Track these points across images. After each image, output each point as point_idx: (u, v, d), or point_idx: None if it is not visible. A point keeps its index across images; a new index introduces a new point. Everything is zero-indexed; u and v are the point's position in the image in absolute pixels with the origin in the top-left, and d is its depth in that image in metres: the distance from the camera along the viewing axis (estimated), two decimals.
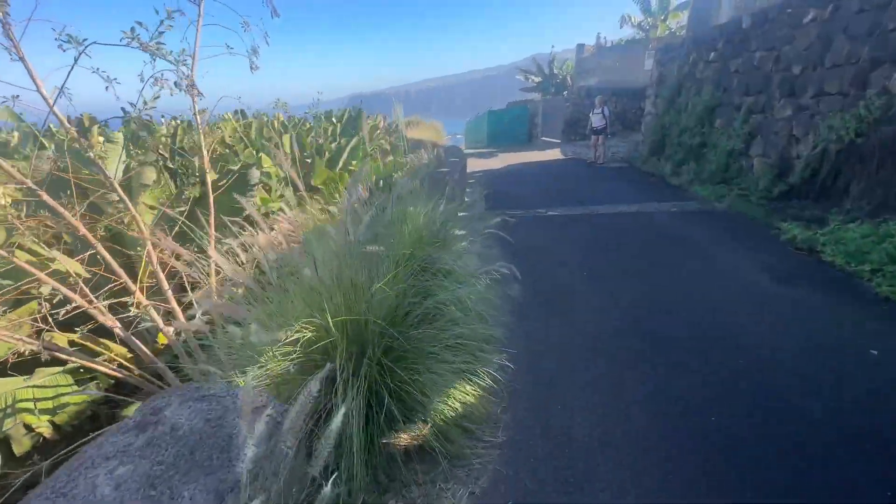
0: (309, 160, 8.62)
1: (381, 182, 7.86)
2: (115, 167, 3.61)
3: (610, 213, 6.83)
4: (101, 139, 3.79)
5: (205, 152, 3.12)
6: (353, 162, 9.88)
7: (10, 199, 2.00)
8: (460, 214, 7.07)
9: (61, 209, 2.10)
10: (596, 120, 11.36)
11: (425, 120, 23.45)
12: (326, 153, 9.19)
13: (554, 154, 14.88)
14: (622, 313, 3.65)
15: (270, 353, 2.09)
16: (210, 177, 3.60)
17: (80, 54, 1.85)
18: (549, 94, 23.38)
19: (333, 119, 14.62)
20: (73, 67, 1.84)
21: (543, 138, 21.19)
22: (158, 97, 2.26)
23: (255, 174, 5.46)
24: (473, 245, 4.48)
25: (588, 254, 5.01)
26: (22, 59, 1.76)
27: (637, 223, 6.21)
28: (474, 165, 13.37)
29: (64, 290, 2.13)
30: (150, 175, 5.14)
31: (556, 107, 19.98)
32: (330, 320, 2.15)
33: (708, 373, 2.75)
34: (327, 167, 9.62)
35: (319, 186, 8.92)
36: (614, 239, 5.44)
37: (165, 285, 2.55)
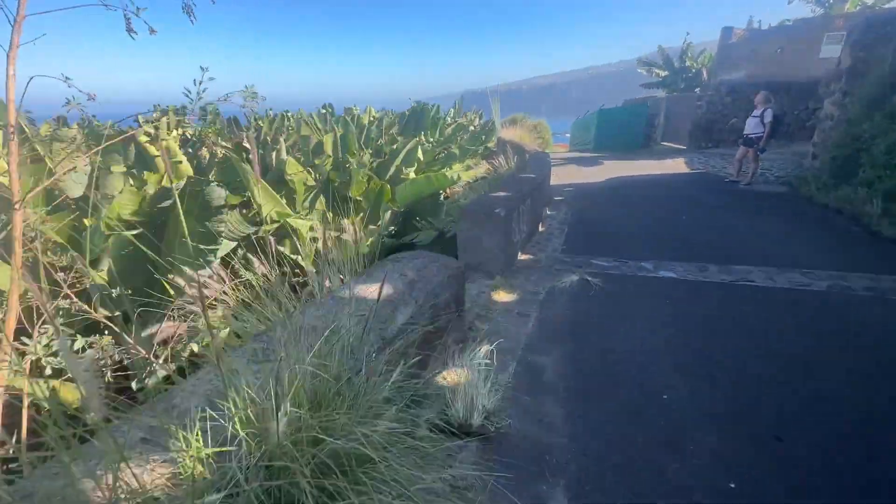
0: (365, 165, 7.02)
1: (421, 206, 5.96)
2: None
3: (774, 290, 3.91)
4: None
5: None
6: (407, 170, 8.11)
7: None
8: (520, 258, 4.90)
9: None
10: (752, 125, 8.13)
11: (533, 117, 21.20)
12: (369, 159, 7.46)
13: (676, 165, 11.64)
14: None
15: None
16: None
17: None
18: (676, 90, 19.44)
19: (383, 114, 12.98)
20: None
21: (664, 143, 17.53)
22: None
23: (217, 193, 3.91)
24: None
25: (750, 417, 2.35)
26: None
27: (841, 328, 3.21)
28: (569, 176, 10.84)
29: None
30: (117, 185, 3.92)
31: (683, 106, 16.28)
32: None
33: None
34: (376, 173, 7.97)
35: (358, 198, 7.32)
36: (799, 376, 2.64)
37: None
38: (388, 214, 5.65)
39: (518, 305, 3.74)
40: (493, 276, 4.23)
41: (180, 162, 8.61)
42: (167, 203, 3.78)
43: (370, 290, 2.37)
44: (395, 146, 8.02)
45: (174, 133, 14.26)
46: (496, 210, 4.24)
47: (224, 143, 14.38)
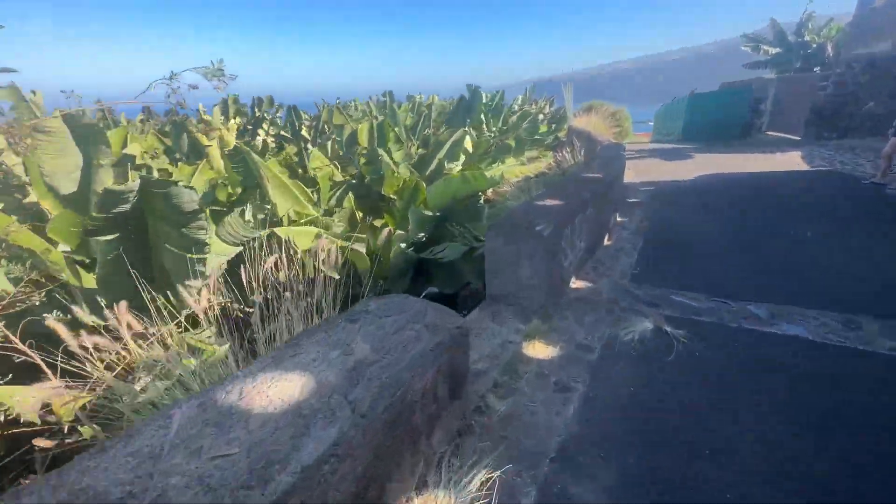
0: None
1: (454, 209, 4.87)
2: None
3: None
4: None
5: None
6: (450, 165, 7.05)
7: None
8: (572, 287, 3.66)
9: None
10: None
11: (613, 104, 19.33)
12: (416, 150, 6.49)
13: (789, 161, 9.45)
14: None
15: None
16: None
17: None
18: (789, 69, 16.37)
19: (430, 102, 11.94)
20: None
21: (770, 133, 14.82)
22: None
23: (187, 196, 3.17)
24: None
25: None
26: None
27: None
28: (649, 171, 9.16)
29: None
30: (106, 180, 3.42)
31: (798, 88, 13.54)
32: None
33: None
34: (417, 168, 7.01)
35: (392, 196, 6.42)
36: None
37: None
38: (417, 218, 4.69)
39: (558, 369, 2.60)
40: (530, 317, 3.11)
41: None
42: (124, 207, 3.11)
43: (275, 388, 1.41)
44: (441, 136, 7.02)
45: (233, 121, 14.40)
46: (538, 226, 3.09)
47: (272, 133, 14.28)
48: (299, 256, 3.32)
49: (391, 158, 6.70)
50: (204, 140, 10.03)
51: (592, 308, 3.33)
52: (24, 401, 1.86)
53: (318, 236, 3.94)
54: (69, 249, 3.88)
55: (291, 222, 4.96)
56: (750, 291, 3.49)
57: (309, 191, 5.63)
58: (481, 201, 4.72)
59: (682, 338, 2.85)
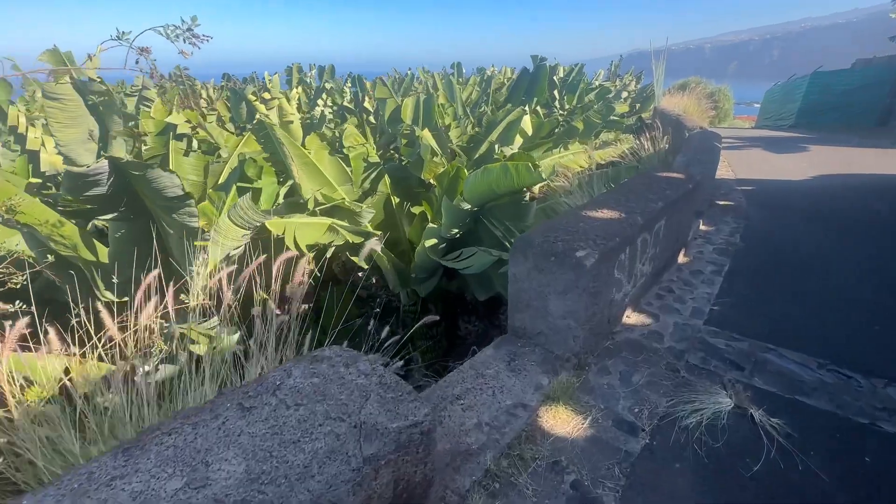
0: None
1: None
2: None
3: None
4: None
5: None
6: (504, 149, 6.17)
7: None
8: (625, 322, 2.73)
9: None
10: None
11: (713, 82, 17.07)
12: (471, 130, 5.74)
13: None
14: None
15: None
16: None
17: None
18: None
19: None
20: None
21: None
22: None
23: (169, 181, 2.73)
24: None
25: None
26: None
27: None
28: (750, 165, 7.63)
29: None
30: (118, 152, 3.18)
31: None
32: None
33: None
34: (465, 152, 6.23)
35: (432, 182, 5.73)
36: None
37: None
38: (451, 212, 4.01)
39: (582, 459, 1.85)
40: (557, 368, 2.35)
41: (291, 122, 8.06)
42: (98, 190, 2.75)
43: None
44: (494, 116, 6.15)
45: (295, 90, 14.34)
46: (580, 252, 2.29)
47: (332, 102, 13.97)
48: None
49: (442, 137, 5.98)
50: (262, 109, 9.96)
51: (647, 361, 2.49)
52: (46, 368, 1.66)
53: (330, 229, 3.40)
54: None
55: (318, 205, 4.49)
56: (893, 364, 2.44)
57: (348, 170, 5.14)
58: (527, 198, 3.91)
59: (778, 432, 1.96)
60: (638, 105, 14.19)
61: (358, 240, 3.30)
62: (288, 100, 11.25)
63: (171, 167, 4.53)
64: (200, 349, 2.49)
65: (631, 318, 2.95)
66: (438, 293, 4.39)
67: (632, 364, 2.47)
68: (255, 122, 5.56)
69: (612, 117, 8.28)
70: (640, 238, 2.77)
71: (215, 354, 2.14)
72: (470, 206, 3.90)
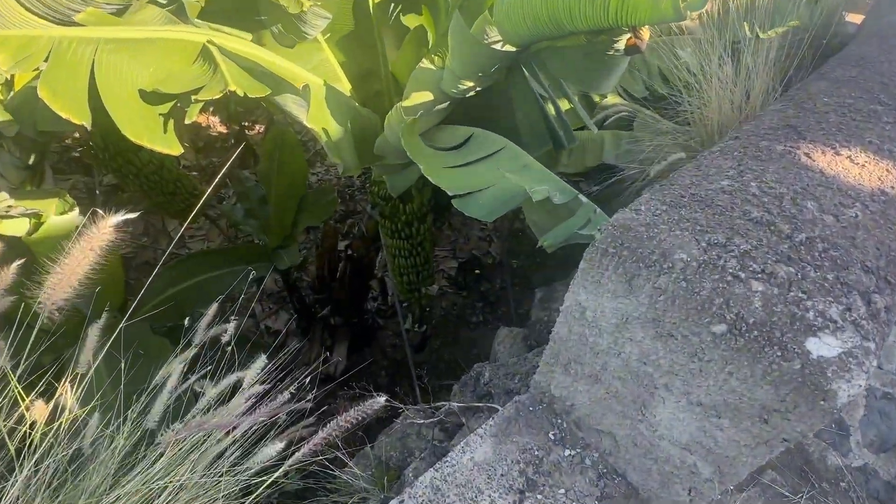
0: None
1: None
2: None
3: None
4: None
5: None
6: None
7: None
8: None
9: None
10: None
11: None
12: None
13: None
14: None
15: None
16: None
17: None
18: None
19: None
20: None
21: None
22: None
23: None
24: None
25: None
26: None
27: None
28: None
29: None
30: None
31: None
32: None
33: None
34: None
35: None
36: None
37: None
38: (466, 46, 2.04)
39: None
40: None
41: None
42: None
43: None
44: None
45: None
46: (823, 334, 0.70)
47: None
48: None
49: None
50: None
51: None
52: None
53: (203, 57, 1.60)
54: None
55: None
56: None
57: None
58: (622, 43, 1.96)
59: None
60: None
61: (259, 90, 1.54)
62: None
63: None
64: None
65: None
66: (428, 196, 2.70)
67: None
68: None
69: None
70: None
71: None
72: (506, 43, 1.93)
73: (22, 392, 0.96)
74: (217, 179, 1.61)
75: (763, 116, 1.34)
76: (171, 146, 1.42)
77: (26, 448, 0.91)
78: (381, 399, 1.00)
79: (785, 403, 0.75)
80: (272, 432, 1.13)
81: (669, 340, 0.85)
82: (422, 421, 1.22)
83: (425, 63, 2.18)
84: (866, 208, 0.96)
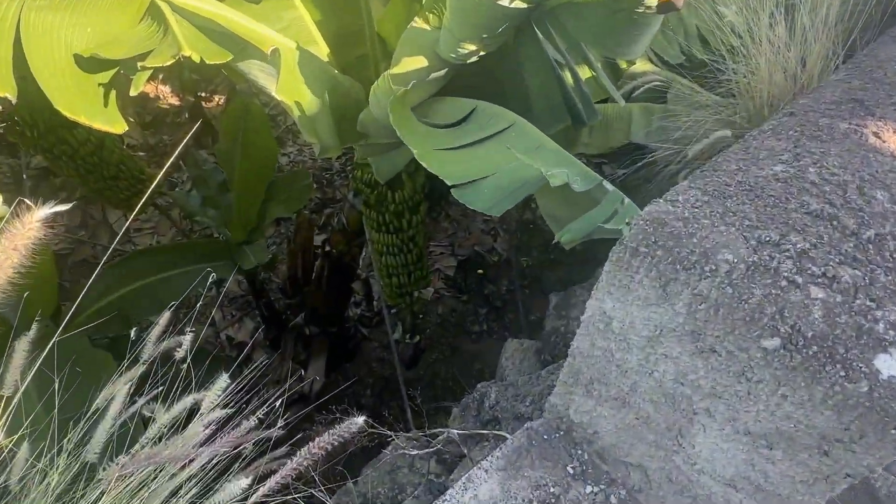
0: None
1: None
2: None
3: None
4: None
5: None
6: None
7: None
8: None
9: None
10: None
11: None
12: None
13: None
14: None
15: None
16: None
17: None
18: None
19: None
20: None
21: None
22: None
23: None
24: None
25: None
26: None
27: None
28: None
29: None
30: None
31: None
32: None
33: None
34: None
35: None
36: None
37: None
38: (469, 3, 2.04)
39: None
40: None
41: None
42: None
43: None
44: None
45: None
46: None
47: None
48: None
49: None
50: None
51: None
52: None
53: (156, 18, 1.58)
54: None
55: None
56: None
57: None
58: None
59: None
60: None
61: (219, 55, 1.54)
62: None
63: None
64: None
65: None
66: (421, 182, 2.70)
67: None
68: None
69: None
70: None
71: None
72: None
73: None
74: (169, 161, 1.61)
75: (823, 88, 1.35)
76: (112, 122, 1.43)
77: None
78: (360, 420, 1.00)
79: (849, 432, 0.76)
80: (236, 465, 1.14)
81: (711, 357, 0.86)
82: (415, 451, 1.24)
83: (418, 22, 2.16)
84: None
